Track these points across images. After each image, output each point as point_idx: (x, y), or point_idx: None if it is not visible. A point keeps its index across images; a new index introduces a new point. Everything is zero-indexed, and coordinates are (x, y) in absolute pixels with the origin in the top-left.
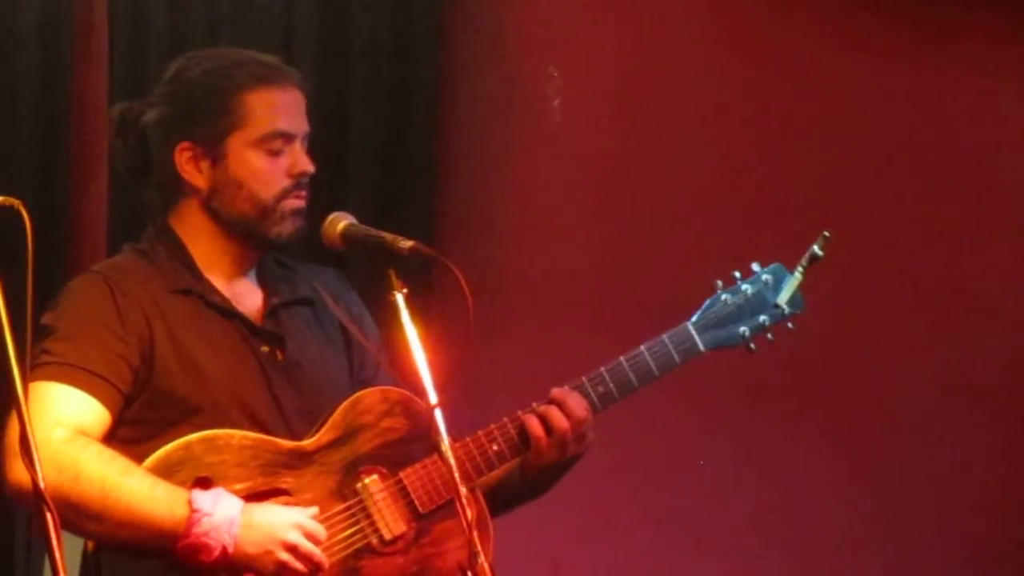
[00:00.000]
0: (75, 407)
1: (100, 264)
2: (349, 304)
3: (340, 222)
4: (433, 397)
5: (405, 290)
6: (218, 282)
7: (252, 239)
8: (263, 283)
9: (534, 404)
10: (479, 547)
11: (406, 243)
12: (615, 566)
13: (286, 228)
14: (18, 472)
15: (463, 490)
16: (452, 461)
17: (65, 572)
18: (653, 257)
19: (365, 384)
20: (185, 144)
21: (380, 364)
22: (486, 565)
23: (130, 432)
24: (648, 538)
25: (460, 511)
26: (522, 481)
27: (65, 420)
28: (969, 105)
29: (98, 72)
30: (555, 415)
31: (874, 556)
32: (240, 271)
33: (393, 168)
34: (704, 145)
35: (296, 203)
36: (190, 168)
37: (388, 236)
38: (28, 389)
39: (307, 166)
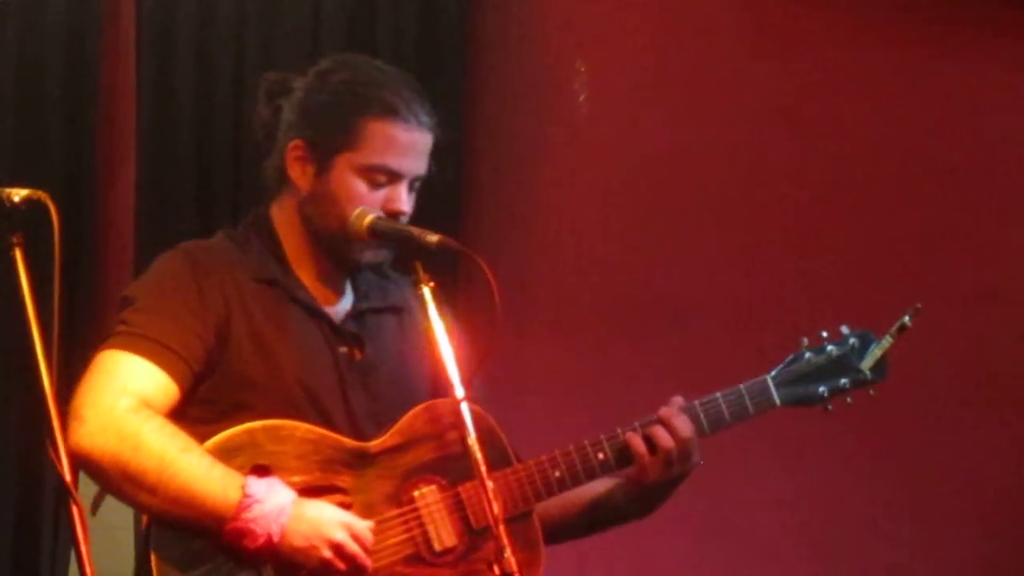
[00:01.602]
0: (144, 378)
1: (189, 243)
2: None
3: (367, 215)
4: (460, 391)
5: (432, 283)
6: (307, 279)
7: (334, 255)
8: (355, 288)
9: (637, 423)
10: (506, 542)
11: (433, 237)
12: (641, 561)
13: (367, 256)
14: (78, 436)
15: (490, 484)
16: (478, 455)
17: (91, 564)
18: (680, 254)
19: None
20: (299, 143)
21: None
22: (512, 560)
23: (199, 412)
24: (673, 534)
25: (487, 506)
26: (627, 499)
27: (132, 390)
28: (999, 101)
29: (125, 65)
30: (660, 434)
31: (898, 550)
32: (330, 273)
33: None
34: (732, 141)
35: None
36: (296, 167)
37: (415, 230)
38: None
39: (402, 207)
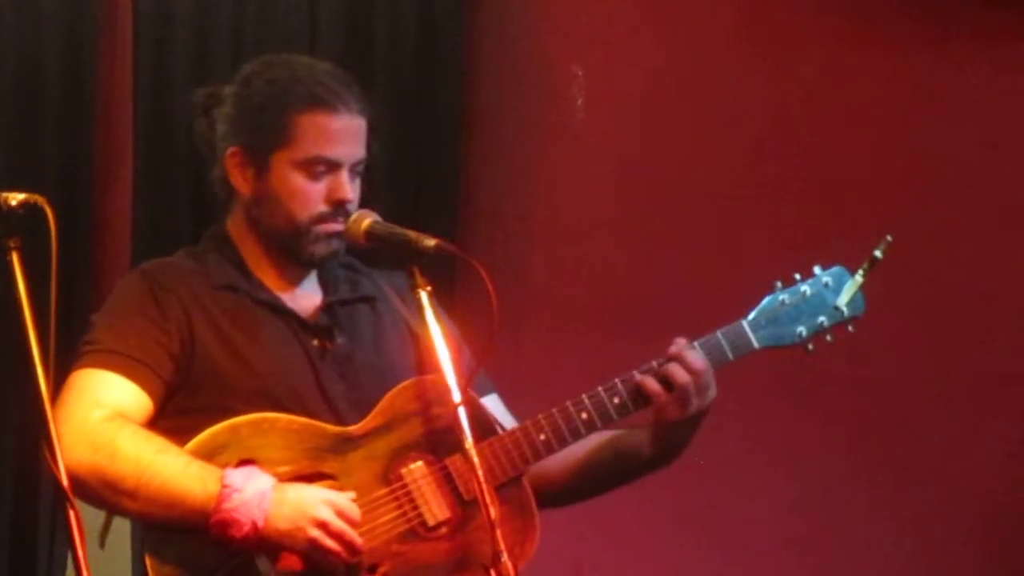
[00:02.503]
0: (114, 391)
1: (147, 263)
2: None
3: (364, 220)
4: (457, 395)
5: (429, 288)
6: (270, 282)
7: (289, 254)
8: (323, 283)
9: (653, 362)
10: (502, 546)
11: (430, 241)
12: (637, 567)
13: (319, 249)
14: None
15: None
16: (476, 460)
17: (88, 568)
18: (678, 257)
19: None
20: (235, 149)
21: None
22: (509, 564)
23: (178, 423)
24: (670, 538)
25: (484, 511)
26: (654, 445)
27: (104, 402)
28: (998, 103)
29: (122, 68)
30: (676, 370)
31: (894, 554)
32: (292, 275)
33: (417, 167)
34: (729, 144)
35: (332, 227)
36: (237, 173)
37: (412, 234)
38: (51, 383)
39: (346, 194)
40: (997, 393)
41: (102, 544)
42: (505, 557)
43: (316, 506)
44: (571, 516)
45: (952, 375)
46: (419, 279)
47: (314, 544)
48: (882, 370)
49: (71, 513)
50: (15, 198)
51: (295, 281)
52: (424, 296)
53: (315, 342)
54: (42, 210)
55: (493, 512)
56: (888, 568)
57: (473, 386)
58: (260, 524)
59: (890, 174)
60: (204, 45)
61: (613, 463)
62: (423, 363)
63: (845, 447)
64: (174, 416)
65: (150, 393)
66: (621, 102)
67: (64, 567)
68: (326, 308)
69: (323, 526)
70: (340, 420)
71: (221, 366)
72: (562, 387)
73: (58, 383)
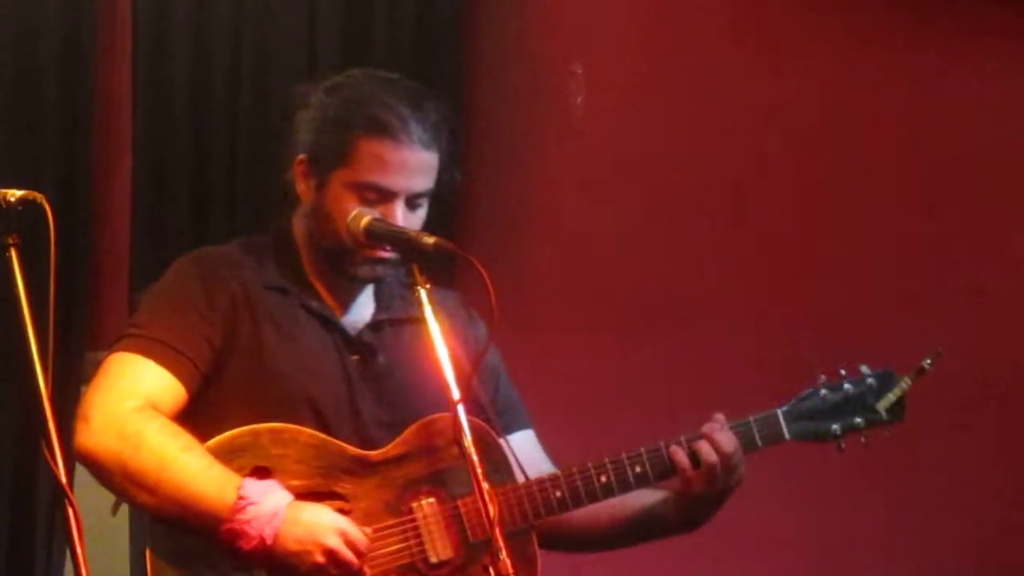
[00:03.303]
0: (151, 380)
1: (203, 248)
2: (467, 330)
3: (364, 217)
4: (456, 392)
5: (428, 285)
6: (323, 290)
7: (336, 269)
8: (378, 298)
9: (683, 437)
10: (502, 544)
11: (429, 239)
12: (634, 568)
13: (364, 272)
14: (83, 437)
15: (486, 486)
16: (474, 458)
17: (87, 565)
18: (676, 254)
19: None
20: (302, 157)
21: (483, 398)
22: (508, 562)
23: (206, 413)
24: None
25: (483, 509)
26: (676, 510)
27: (139, 391)
28: (997, 102)
29: (121, 65)
30: (705, 448)
31: (891, 552)
32: (345, 286)
33: None
34: (727, 142)
35: (378, 254)
36: (301, 181)
37: (412, 232)
38: (49, 381)
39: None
40: (995, 392)
41: (114, 512)
42: (504, 555)
43: (327, 533)
44: None
45: (951, 374)
46: (418, 277)
47: (319, 570)
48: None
49: (70, 511)
50: (14, 194)
51: (349, 293)
52: (424, 294)
53: (355, 357)
54: (41, 206)
55: (492, 510)
56: (885, 566)
57: (506, 421)
58: (269, 541)
59: (889, 171)
60: (203, 42)
61: (636, 527)
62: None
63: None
64: (204, 406)
65: (186, 385)
66: (620, 100)
67: (63, 564)
68: (375, 326)
69: (331, 554)
70: (365, 438)
71: (255, 366)
72: (561, 384)
73: (56, 381)
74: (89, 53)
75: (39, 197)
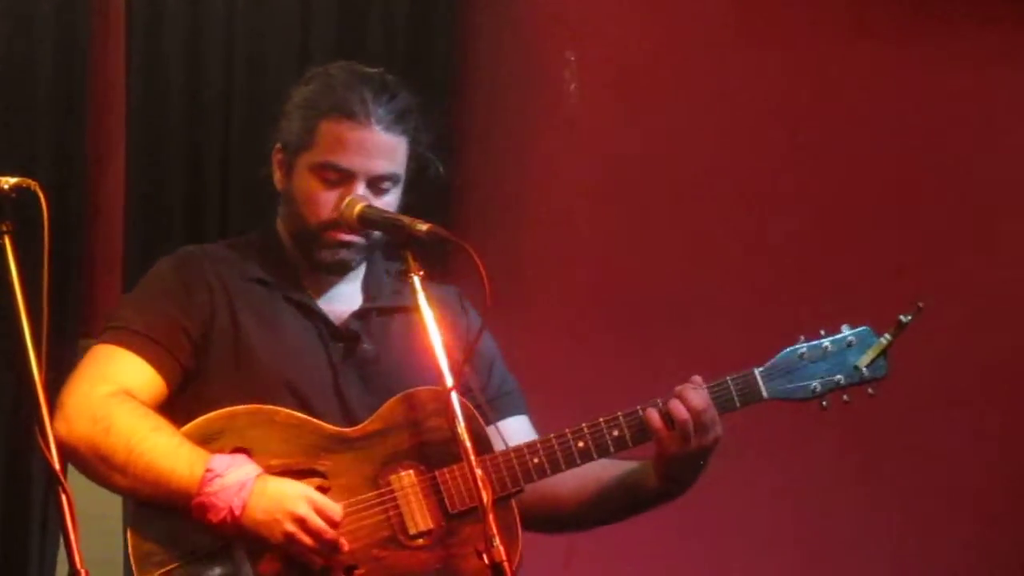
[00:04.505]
0: (127, 369)
1: (183, 247)
2: (458, 321)
3: (357, 204)
4: (449, 380)
5: (422, 272)
6: (308, 282)
7: (304, 256)
8: (366, 288)
9: (658, 399)
10: (495, 531)
11: (423, 226)
12: (629, 553)
13: (326, 257)
14: (59, 425)
15: (479, 472)
16: (468, 444)
17: (80, 551)
18: (672, 244)
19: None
20: (277, 147)
21: (476, 389)
22: (501, 548)
23: (191, 408)
24: (662, 525)
25: (475, 492)
26: (658, 479)
27: (113, 378)
28: (997, 93)
29: (115, 52)
30: (676, 407)
31: (887, 545)
32: (326, 277)
33: None
34: (721, 130)
35: (339, 236)
36: (277, 170)
37: (405, 218)
38: (43, 368)
39: None
40: (991, 386)
41: None
42: (497, 541)
43: (296, 501)
44: None
45: (947, 368)
46: (412, 264)
47: (290, 538)
48: None
49: (63, 496)
50: (8, 182)
51: (331, 283)
52: (417, 281)
53: (340, 345)
54: (35, 194)
55: (486, 496)
56: (881, 559)
57: (500, 407)
58: (237, 512)
59: (889, 161)
60: (196, 31)
61: (622, 496)
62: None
63: (837, 439)
64: (190, 402)
65: (165, 376)
66: (614, 88)
67: (56, 550)
68: (360, 314)
69: (300, 522)
70: (353, 422)
71: (235, 354)
72: (554, 371)
73: (50, 368)
74: (83, 40)
75: (33, 184)
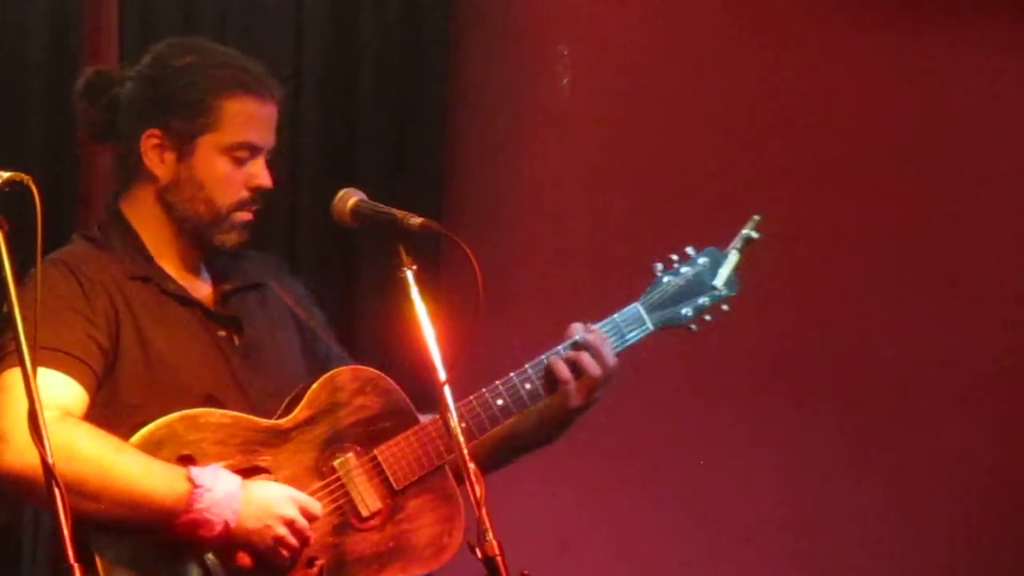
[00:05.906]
0: (57, 389)
1: (56, 253)
2: (293, 287)
3: (350, 199)
4: (443, 373)
5: (415, 266)
6: (170, 269)
7: (198, 240)
8: (212, 270)
9: (560, 348)
10: (488, 525)
11: (416, 220)
12: (622, 545)
13: (231, 238)
14: (11, 457)
15: (472, 467)
16: (462, 439)
17: (74, 546)
18: (662, 235)
19: (321, 364)
20: (155, 131)
21: (331, 344)
22: (495, 543)
23: (100, 416)
24: (655, 517)
25: (469, 489)
26: (540, 425)
27: (50, 402)
28: (991, 85)
29: (108, 44)
30: (588, 361)
31: (884, 539)
32: (192, 262)
33: (404, 146)
34: (714, 124)
35: (246, 216)
36: (153, 156)
37: (398, 213)
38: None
39: (266, 181)
40: (987, 380)
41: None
42: (491, 536)
43: (283, 504)
44: (556, 495)
45: (941, 362)
46: (405, 258)
47: (279, 541)
48: (874, 358)
49: (56, 491)
50: (0, 176)
51: (194, 269)
52: (410, 275)
53: (221, 333)
54: (28, 189)
55: (479, 491)
56: (881, 558)
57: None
58: (232, 524)
59: (882, 154)
60: (190, 20)
61: (498, 446)
62: (306, 348)
63: (830, 430)
64: (102, 408)
65: (87, 388)
66: (607, 82)
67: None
68: (222, 297)
69: (290, 524)
70: (260, 413)
71: (142, 362)
72: None
73: None
74: (76, 31)
75: (26, 178)
